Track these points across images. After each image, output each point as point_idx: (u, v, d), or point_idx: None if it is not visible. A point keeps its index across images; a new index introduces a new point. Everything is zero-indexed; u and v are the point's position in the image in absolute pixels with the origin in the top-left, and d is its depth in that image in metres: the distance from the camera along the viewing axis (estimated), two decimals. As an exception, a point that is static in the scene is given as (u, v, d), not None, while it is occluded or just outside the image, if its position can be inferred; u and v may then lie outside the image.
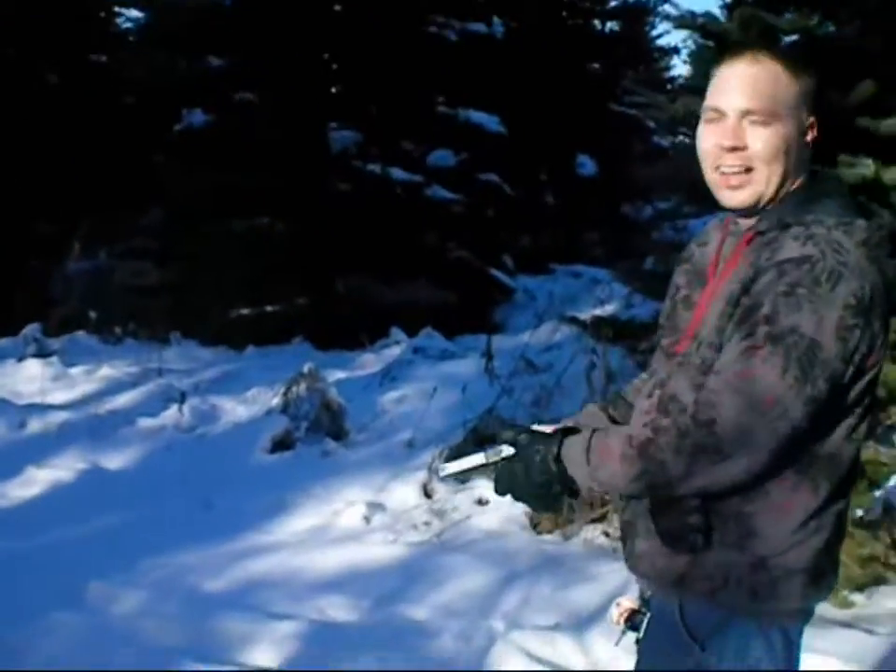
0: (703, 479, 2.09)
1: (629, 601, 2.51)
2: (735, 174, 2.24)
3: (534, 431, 2.30)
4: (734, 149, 2.23)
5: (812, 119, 2.25)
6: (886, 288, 2.14)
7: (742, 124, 2.23)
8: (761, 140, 2.21)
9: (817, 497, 2.18)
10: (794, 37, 5.40)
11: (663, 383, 2.32)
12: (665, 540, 2.26)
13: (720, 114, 2.26)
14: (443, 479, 2.54)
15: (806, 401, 2.04)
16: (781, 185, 2.23)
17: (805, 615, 2.29)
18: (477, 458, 2.34)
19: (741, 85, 2.24)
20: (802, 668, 2.48)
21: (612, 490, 2.27)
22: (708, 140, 2.28)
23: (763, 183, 2.23)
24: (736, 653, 2.25)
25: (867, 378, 2.15)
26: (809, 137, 2.26)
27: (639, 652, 2.48)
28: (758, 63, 2.24)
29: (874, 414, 5.01)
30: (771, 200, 2.24)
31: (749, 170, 2.23)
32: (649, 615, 2.45)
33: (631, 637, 2.51)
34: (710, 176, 2.30)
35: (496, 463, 2.32)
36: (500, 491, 2.31)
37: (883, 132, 4.97)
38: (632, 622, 2.49)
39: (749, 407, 2.04)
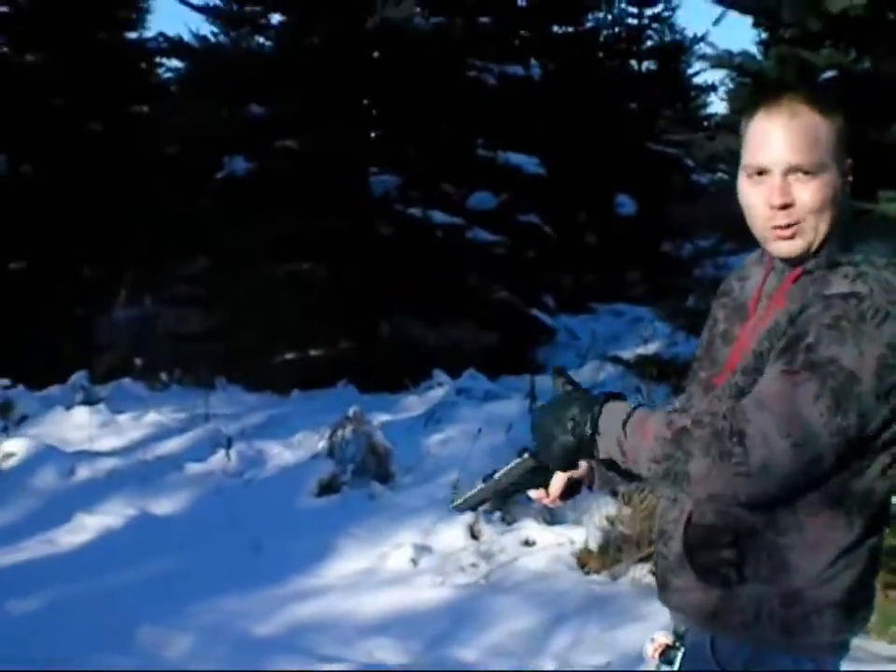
0: (719, 485, 2.08)
1: (663, 636, 2.52)
2: (786, 226, 2.24)
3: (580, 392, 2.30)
4: (784, 207, 2.22)
5: (850, 160, 2.24)
6: None
7: (788, 179, 2.21)
8: (809, 193, 2.20)
9: (851, 532, 2.17)
10: (831, 73, 5.42)
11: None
12: (699, 574, 2.27)
13: (764, 171, 2.24)
14: (456, 509, 2.59)
15: (834, 432, 2.04)
16: (830, 231, 2.23)
17: (839, 649, 2.27)
18: (478, 488, 2.46)
19: (783, 141, 2.22)
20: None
21: (630, 463, 2.18)
22: (757, 199, 2.26)
23: (812, 232, 2.22)
24: None
25: None
26: (850, 178, 2.25)
27: None
28: (797, 116, 2.22)
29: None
30: (820, 245, 2.24)
31: (799, 222, 2.23)
32: (682, 650, 2.46)
33: None
34: (761, 233, 2.29)
35: (499, 492, 2.42)
36: (533, 430, 2.31)
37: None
38: (666, 656, 2.50)
39: (777, 428, 2.04)
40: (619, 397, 2.28)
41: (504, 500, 2.48)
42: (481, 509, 6.61)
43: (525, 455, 2.42)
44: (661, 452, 2.12)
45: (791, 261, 2.28)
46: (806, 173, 2.20)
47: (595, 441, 2.21)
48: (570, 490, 2.48)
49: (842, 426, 2.05)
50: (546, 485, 2.44)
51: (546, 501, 2.49)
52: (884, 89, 5.11)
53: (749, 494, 2.08)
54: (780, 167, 2.21)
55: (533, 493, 2.47)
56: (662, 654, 2.52)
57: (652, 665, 2.55)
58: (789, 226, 2.23)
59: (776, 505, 2.14)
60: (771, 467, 2.04)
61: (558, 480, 2.43)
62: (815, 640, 2.21)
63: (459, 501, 2.55)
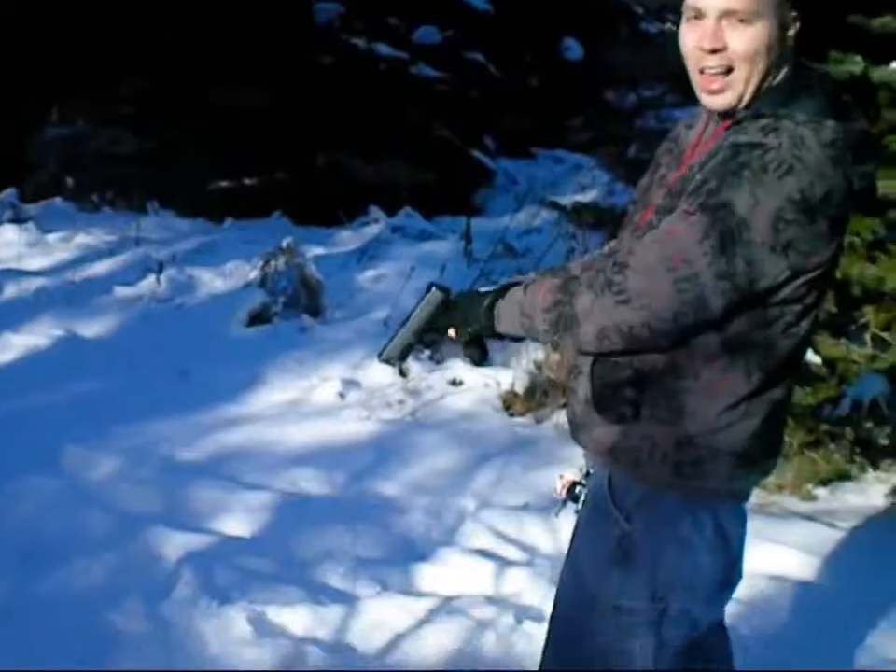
0: (602, 317, 2.15)
1: (571, 474, 2.59)
2: (715, 75, 2.23)
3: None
4: (714, 51, 2.21)
5: (795, 13, 2.20)
6: (848, 193, 2.13)
7: (721, 24, 2.20)
8: (741, 40, 2.19)
9: (748, 382, 2.22)
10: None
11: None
12: (598, 409, 2.33)
13: (700, 14, 2.23)
14: (385, 362, 2.64)
15: (719, 274, 2.08)
16: (762, 83, 2.22)
17: (735, 498, 2.35)
18: (404, 336, 2.56)
19: None
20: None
21: (527, 322, 2.31)
22: (689, 41, 2.26)
23: (742, 83, 2.22)
24: (661, 527, 2.32)
25: (808, 278, 2.16)
26: (792, 32, 2.21)
27: (576, 523, 2.55)
28: None
29: (847, 315, 5.12)
30: (753, 98, 2.23)
31: (729, 70, 2.22)
32: (587, 487, 2.53)
33: (571, 508, 2.60)
34: (693, 77, 2.29)
35: (417, 333, 2.52)
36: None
37: (874, 29, 4.94)
38: (572, 493, 2.57)
39: (659, 259, 2.10)
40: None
41: (427, 342, 2.52)
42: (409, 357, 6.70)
43: (434, 290, 2.52)
44: (551, 299, 2.22)
45: (724, 114, 2.28)
46: (741, 20, 2.18)
47: (493, 317, 2.37)
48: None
49: (727, 270, 2.07)
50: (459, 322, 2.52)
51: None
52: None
53: (631, 322, 2.12)
54: (715, 10, 2.20)
55: (451, 331, 2.53)
56: (569, 491, 2.59)
57: (560, 501, 2.63)
58: (718, 74, 2.22)
59: (666, 345, 2.18)
60: (650, 295, 2.09)
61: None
62: (706, 484, 2.28)
63: (385, 353, 2.59)
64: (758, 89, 2.22)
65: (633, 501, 2.34)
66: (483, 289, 2.48)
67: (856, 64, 4.80)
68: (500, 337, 2.45)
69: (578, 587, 2.47)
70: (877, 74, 4.84)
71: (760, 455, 2.30)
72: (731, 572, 2.40)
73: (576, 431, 2.45)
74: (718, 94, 2.24)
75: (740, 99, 2.24)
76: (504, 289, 2.41)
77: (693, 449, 2.25)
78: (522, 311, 2.31)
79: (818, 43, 4.85)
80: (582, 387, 2.37)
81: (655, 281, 2.09)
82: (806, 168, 2.07)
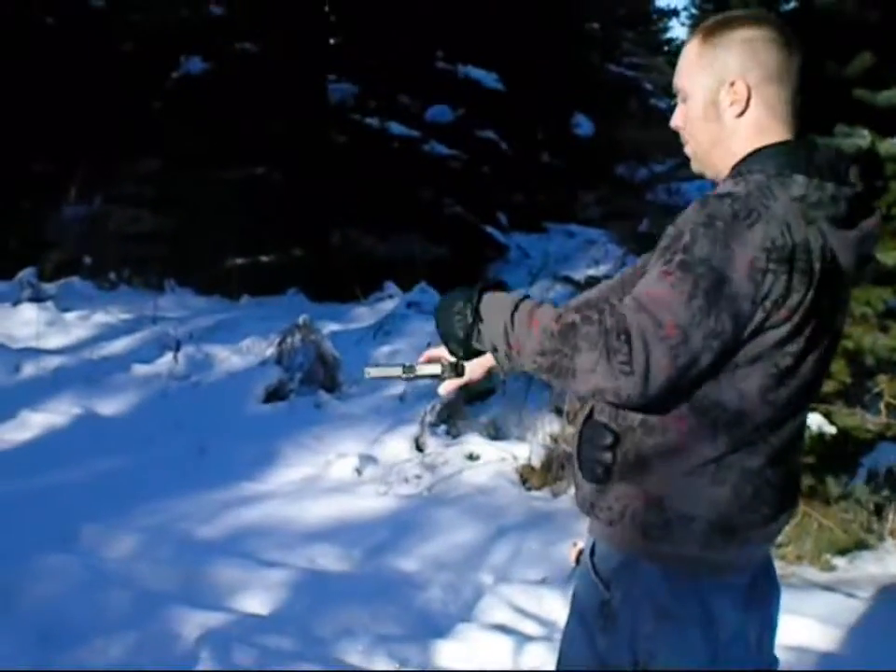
0: (604, 381, 2.08)
1: (583, 542, 2.61)
2: (685, 146, 2.37)
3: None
4: (677, 130, 2.37)
5: (734, 80, 2.23)
6: (822, 252, 2.13)
7: (679, 103, 2.34)
8: (682, 117, 2.34)
9: (714, 447, 2.20)
10: (793, 5, 5.43)
11: None
12: (581, 469, 2.36)
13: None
14: (368, 379, 2.68)
15: (707, 334, 2.04)
16: (713, 149, 2.29)
17: (720, 572, 2.30)
18: (396, 370, 2.62)
19: (678, 65, 2.34)
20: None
21: (513, 353, 2.21)
22: None
23: (694, 153, 2.35)
24: (639, 596, 2.30)
25: (777, 334, 2.12)
26: (729, 99, 2.24)
27: (573, 590, 2.55)
28: (687, 42, 2.33)
29: (861, 385, 5.14)
30: (742, 158, 2.25)
31: (689, 145, 2.36)
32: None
33: None
34: None
35: (411, 377, 2.56)
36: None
37: (880, 103, 5.00)
38: (579, 561, 2.60)
39: (654, 331, 2.04)
40: (499, 286, 2.33)
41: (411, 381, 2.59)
42: (428, 421, 6.74)
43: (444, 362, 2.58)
44: (548, 345, 2.12)
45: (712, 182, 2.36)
46: (682, 97, 2.33)
47: (478, 328, 2.27)
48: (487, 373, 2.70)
49: (715, 329, 2.05)
50: (461, 374, 2.59)
51: (447, 388, 2.68)
52: (846, 24, 5.13)
53: (630, 393, 2.08)
54: (676, 90, 2.36)
55: (446, 383, 2.63)
56: (578, 557, 2.62)
57: (573, 570, 2.65)
58: (686, 145, 2.36)
59: (650, 407, 2.17)
60: (651, 367, 2.05)
61: (470, 367, 2.61)
62: (679, 551, 2.26)
63: (373, 371, 2.64)
64: (724, 153, 2.28)
65: (612, 569, 2.35)
66: (456, 305, 2.33)
67: (863, 138, 4.87)
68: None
69: (570, 651, 2.50)
70: (884, 147, 4.90)
71: (742, 526, 2.27)
72: (725, 654, 2.32)
73: (576, 492, 2.47)
74: (691, 161, 2.38)
75: (705, 164, 2.35)
76: (478, 300, 2.28)
77: (662, 512, 2.25)
78: (507, 341, 2.21)
79: (825, 117, 4.95)
80: (574, 445, 2.41)
81: (652, 352, 2.05)
82: (773, 217, 2.07)
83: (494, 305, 2.24)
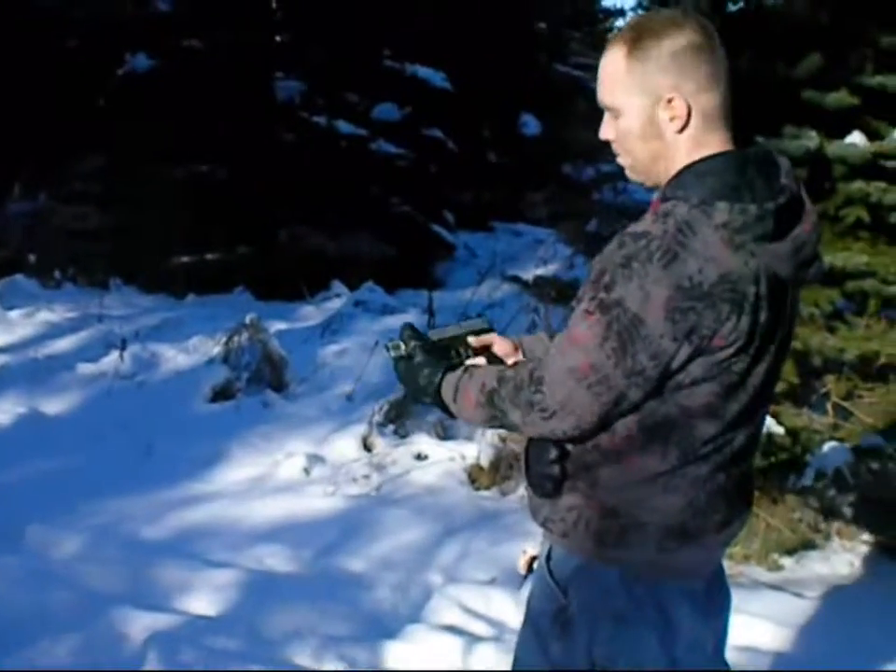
0: (536, 430, 2.23)
1: (533, 549, 2.62)
2: (618, 158, 2.34)
3: (430, 349, 2.49)
4: (608, 143, 2.33)
5: (671, 97, 2.19)
6: (756, 273, 2.12)
7: (608, 116, 2.30)
8: (613, 132, 2.29)
9: (664, 461, 2.22)
10: (741, 5, 5.46)
11: None
12: (529, 484, 2.40)
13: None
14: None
15: (627, 373, 2.10)
16: (654, 164, 2.27)
17: (677, 575, 2.33)
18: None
19: (598, 79, 2.29)
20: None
21: (470, 421, 2.46)
22: None
23: (632, 166, 2.32)
24: (596, 601, 2.33)
25: (717, 358, 2.14)
26: (667, 114, 2.21)
27: (528, 595, 2.58)
28: (607, 53, 2.27)
29: (808, 385, 5.18)
30: (676, 174, 2.24)
31: (621, 156, 2.33)
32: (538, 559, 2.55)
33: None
34: None
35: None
36: (396, 375, 2.54)
37: (829, 105, 5.05)
38: (532, 568, 2.59)
39: (569, 372, 2.13)
40: (456, 367, 2.45)
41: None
42: (376, 420, 6.71)
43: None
44: (485, 414, 2.31)
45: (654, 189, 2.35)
46: (612, 113, 2.29)
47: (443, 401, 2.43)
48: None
49: (634, 368, 2.10)
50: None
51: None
52: (796, 25, 5.17)
53: (563, 430, 2.19)
54: (601, 104, 2.32)
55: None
56: (530, 566, 2.62)
57: (523, 577, 2.65)
58: (620, 158, 2.33)
59: (597, 432, 2.22)
60: (571, 405, 2.14)
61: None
62: (633, 556, 2.28)
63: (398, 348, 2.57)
64: (666, 168, 2.25)
65: (568, 574, 2.36)
66: (420, 371, 2.46)
67: (811, 139, 4.91)
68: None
69: (525, 657, 2.52)
70: (832, 148, 4.94)
71: (697, 531, 2.29)
72: (683, 660, 2.36)
73: (528, 502, 2.49)
74: (627, 171, 2.35)
75: (642, 178, 2.33)
76: (437, 390, 2.43)
77: (616, 519, 2.27)
78: (459, 414, 2.39)
79: (774, 118, 4.99)
80: (522, 460, 2.44)
81: (571, 393, 2.13)
82: (692, 254, 2.07)
83: (445, 391, 2.41)
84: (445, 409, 2.43)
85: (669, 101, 2.19)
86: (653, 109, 2.21)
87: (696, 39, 2.19)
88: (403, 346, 2.50)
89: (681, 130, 2.21)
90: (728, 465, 2.30)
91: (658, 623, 2.31)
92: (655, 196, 2.32)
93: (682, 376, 2.15)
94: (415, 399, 2.55)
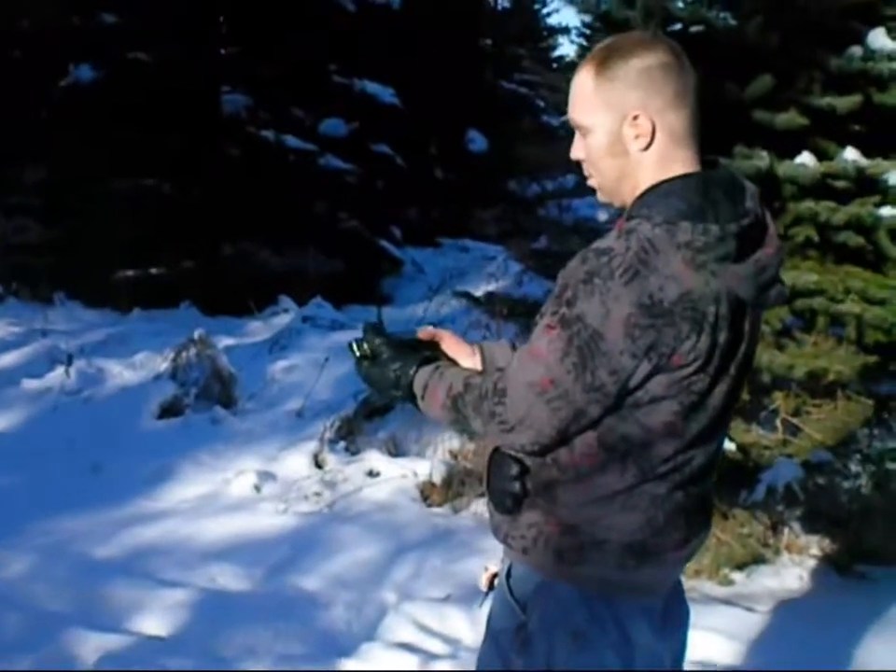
0: (496, 440, 2.29)
1: (494, 566, 2.62)
2: (589, 178, 2.36)
3: (397, 344, 2.51)
4: (579, 161, 2.35)
5: (636, 114, 2.21)
6: (716, 293, 2.13)
7: (578, 135, 2.33)
8: (583, 151, 2.32)
9: (622, 479, 2.23)
10: (697, 28, 5.51)
11: None
12: (491, 500, 2.41)
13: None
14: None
15: (586, 388, 2.11)
16: (621, 183, 2.28)
17: (636, 593, 2.33)
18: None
19: (570, 98, 2.31)
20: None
21: (438, 419, 2.46)
22: None
23: (600, 186, 2.33)
24: (555, 618, 2.32)
25: (677, 376, 2.15)
26: (633, 132, 2.22)
27: (488, 612, 2.57)
28: (577, 74, 2.30)
29: (758, 402, 5.23)
30: (641, 194, 2.24)
31: (591, 175, 2.34)
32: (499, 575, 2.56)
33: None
34: None
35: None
36: (360, 376, 2.55)
37: (778, 125, 5.11)
38: (493, 585, 2.60)
39: (528, 386, 2.15)
40: (431, 360, 2.48)
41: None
42: (327, 437, 6.69)
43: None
44: (450, 416, 2.34)
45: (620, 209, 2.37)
46: (582, 132, 2.31)
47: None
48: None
49: (593, 384, 2.11)
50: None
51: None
52: (747, 47, 5.22)
53: (522, 443, 2.22)
54: (572, 123, 2.35)
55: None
56: (491, 583, 2.62)
57: (483, 593, 2.65)
58: (590, 177, 2.34)
59: (556, 446, 2.23)
60: (530, 419, 2.17)
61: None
62: (592, 572, 2.28)
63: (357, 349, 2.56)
64: (632, 186, 2.26)
65: (528, 591, 2.36)
66: (390, 366, 2.48)
67: (762, 159, 4.97)
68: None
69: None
70: (782, 168, 5.00)
71: (655, 548, 2.30)
72: None
73: (490, 518, 2.49)
74: (597, 192, 2.36)
75: (610, 198, 2.34)
76: (409, 387, 2.46)
77: (576, 536, 2.27)
78: (427, 410, 2.42)
79: (725, 139, 5.04)
80: (484, 480, 2.45)
81: (530, 407, 2.15)
82: (653, 272, 2.08)
83: (417, 386, 2.43)
84: (414, 402, 2.45)
85: (635, 118, 2.21)
86: (619, 126, 2.23)
87: (664, 59, 2.22)
88: (367, 345, 2.50)
89: (646, 147, 2.23)
90: (687, 483, 2.30)
91: (617, 640, 2.31)
92: (624, 215, 2.33)
93: (641, 393, 2.16)
94: (383, 394, 2.53)
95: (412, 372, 2.43)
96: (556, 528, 2.29)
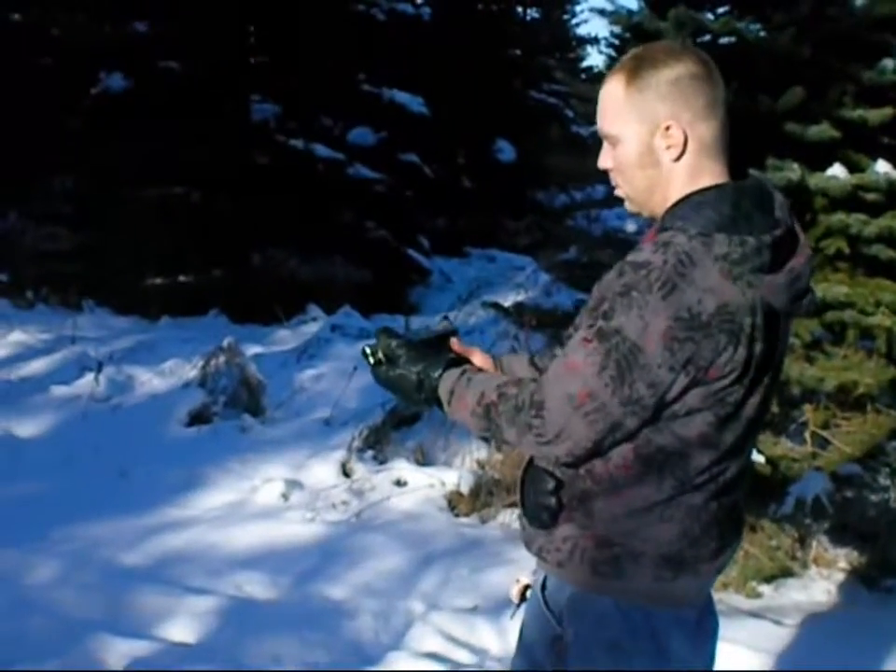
0: (530, 451, 2.28)
1: (526, 577, 2.61)
2: (616, 188, 2.36)
3: (416, 345, 2.49)
4: (606, 171, 2.35)
5: (668, 125, 2.22)
6: (752, 304, 2.13)
7: (606, 145, 2.33)
8: (612, 161, 2.32)
9: (660, 491, 2.23)
10: (728, 39, 5.50)
11: None
12: (525, 514, 2.40)
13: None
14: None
15: (624, 402, 2.11)
16: (651, 193, 2.29)
17: (672, 603, 2.32)
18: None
19: (598, 108, 2.32)
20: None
21: (463, 423, 2.41)
22: None
23: (629, 196, 2.34)
24: (591, 630, 2.32)
25: (713, 388, 2.15)
26: (664, 143, 2.23)
27: (521, 624, 2.58)
28: (607, 83, 2.30)
29: (787, 415, 5.20)
30: (669, 205, 2.26)
31: (621, 187, 2.34)
32: (532, 587, 2.55)
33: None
34: None
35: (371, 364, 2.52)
36: (378, 382, 2.55)
37: (810, 137, 5.09)
38: (526, 596, 2.60)
39: (566, 399, 2.14)
40: (457, 362, 2.46)
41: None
42: (356, 446, 6.69)
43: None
44: (480, 424, 2.31)
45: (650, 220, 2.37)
46: (611, 141, 2.31)
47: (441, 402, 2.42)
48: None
49: (631, 396, 2.11)
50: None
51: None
52: (778, 59, 5.20)
53: (558, 455, 2.21)
54: (600, 133, 2.34)
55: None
56: (522, 595, 2.61)
57: (515, 605, 2.64)
58: (618, 187, 2.35)
59: (591, 458, 2.23)
60: (567, 433, 2.15)
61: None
62: (629, 585, 2.28)
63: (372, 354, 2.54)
64: (663, 197, 2.27)
65: (564, 604, 2.36)
66: (411, 368, 2.46)
67: (793, 171, 4.95)
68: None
69: None
70: (814, 180, 4.98)
71: (692, 559, 2.29)
72: None
73: (521, 532, 2.49)
74: (626, 202, 2.36)
75: (640, 208, 2.34)
76: (434, 391, 2.43)
77: (611, 549, 2.27)
78: (451, 415, 2.39)
79: (756, 150, 5.02)
80: (518, 490, 2.44)
81: (568, 420, 2.14)
82: (690, 284, 2.08)
83: (442, 390, 2.40)
84: (439, 405, 2.43)
85: (667, 129, 2.22)
86: (651, 137, 2.24)
87: (695, 70, 2.22)
88: (381, 350, 2.48)
89: (678, 158, 2.23)
90: (721, 494, 2.30)
91: (653, 652, 2.31)
92: (655, 225, 2.33)
93: (678, 406, 2.16)
94: (406, 398, 2.50)
95: (436, 375, 2.42)
96: (592, 541, 2.28)
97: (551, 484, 2.31)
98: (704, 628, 2.44)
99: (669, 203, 2.25)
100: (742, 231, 2.14)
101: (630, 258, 2.18)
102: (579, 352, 2.14)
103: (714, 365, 2.11)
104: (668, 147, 2.23)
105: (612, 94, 2.27)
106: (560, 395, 2.15)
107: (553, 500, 2.31)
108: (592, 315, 2.15)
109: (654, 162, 2.25)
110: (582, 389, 2.12)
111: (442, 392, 2.40)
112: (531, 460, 2.40)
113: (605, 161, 2.34)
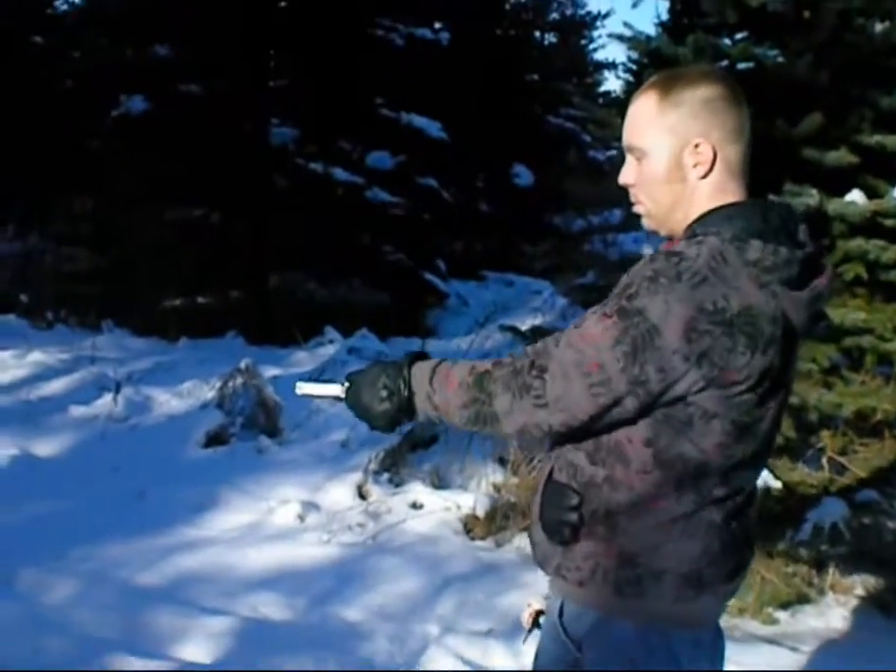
0: (522, 417, 2.21)
1: (538, 603, 2.61)
2: (636, 203, 2.37)
3: (376, 363, 2.48)
4: (626, 187, 2.37)
5: (699, 142, 2.25)
6: (776, 315, 2.15)
7: (630, 160, 2.35)
8: (635, 176, 2.34)
9: (680, 503, 2.23)
10: (746, 65, 5.53)
11: None
12: (545, 530, 2.38)
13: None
14: (299, 396, 2.64)
15: (631, 380, 2.11)
16: (673, 210, 2.30)
17: (690, 625, 2.33)
18: (333, 389, 2.52)
19: (626, 122, 2.34)
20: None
21: (445, 416, 2.35)
22: None
23: (650, 212, 2.35)
24: (612, 656, 2.32)
25: (729, 393, 2.15)
26: (692, 160, 2.26)
27: (537, 648, 2.57)
28: (638, 98, 2.32)
29: (804, 440, 5.19)
30: (700, 216, 2.27)
31: (641, 203, 2.36)
32: (546, 611, 2.54)
33: (537, 635, 2.60)
34: None
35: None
36: (347, 404, 2.48)
37: (828, 163, 5.11)
38: (538, 622, 2.59)
39: (575, 364, 2.14)
40: (423, 356, 2.45)
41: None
42: (372, 468, 6.71)
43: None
44: (466, 396, 2.26)
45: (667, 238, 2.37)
46: (637, 156, 2.33)
47: (413, 402, 2.38)
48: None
49: (638, 376, 2.11)
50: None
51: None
52: (797, 85, 5.23)
53: (550, 423, 2.19)
54: (625, 148, 2.36)
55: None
56: (534, 620, 2.61)
57: (527, 630, 2.64)
58: (639, 204, 2.36)
59: (583, 435, 2.24)
60: (566, 400, 2.15)
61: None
62: (651, 606, 2.27)
63: (305, 391, 2.58)
64: (684, 214, 2.29)
65: (584, 630, 2.35)
66: (380, 381, 2.42)
67: (811, 197, 4.96)
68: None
69: None
70: (832, 206, 4.99)
71: (711, 579, 2.30)
72: None
73: (534, 550, 2.48)
74: (644, 218, 2.37)
75: (660, 225, 2.35)
76: (409, 374, 2.40)
77: (634, 568, 2.26)
78: (433, 404, 2.35)
79: (775, 176, 5.04)
80: (536, 506, 2.43)
81: (572, 386, 2.14)
82: (721, 280, 2.10)
83: (417, 376, 2.37)
84: (410, 404, 2.38)
85: (696, 146, 2.25)
86: (680, 152, 2.26)
87: (725, 92, 2.27)
88: (347, 383, 2.47)
89: (704, 176, 2.26)
90: (738, 513, 2.32)
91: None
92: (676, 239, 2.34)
93: (693, 409, 2.16)
94: (377, 411, 2.41)
95: (405, 368, 2.39)
96: (614, 560, 2.28)
97: (574, 500, 2.30)
98: (716, 646, 2.45)
99: (689, 221, 2.28)
100: (773, 241, 2.17)
101: (663, 248, 2.21)
102: (597, 325, 2.15)
103: (730, 367, 2.11)
104: (696, 165, 2.26)
105: (644, 108, 2.31)
106: (569, 359, 2.15)
107: (574, 516, 2.31)
108: (617, 297, 2.15)
109: (681, 178, 2.28)
110: (594, 359, 2.12)
111: (420, 378, 2.37)
112: (549, 477, 2.40)
113: (627, 176, 2.36)
